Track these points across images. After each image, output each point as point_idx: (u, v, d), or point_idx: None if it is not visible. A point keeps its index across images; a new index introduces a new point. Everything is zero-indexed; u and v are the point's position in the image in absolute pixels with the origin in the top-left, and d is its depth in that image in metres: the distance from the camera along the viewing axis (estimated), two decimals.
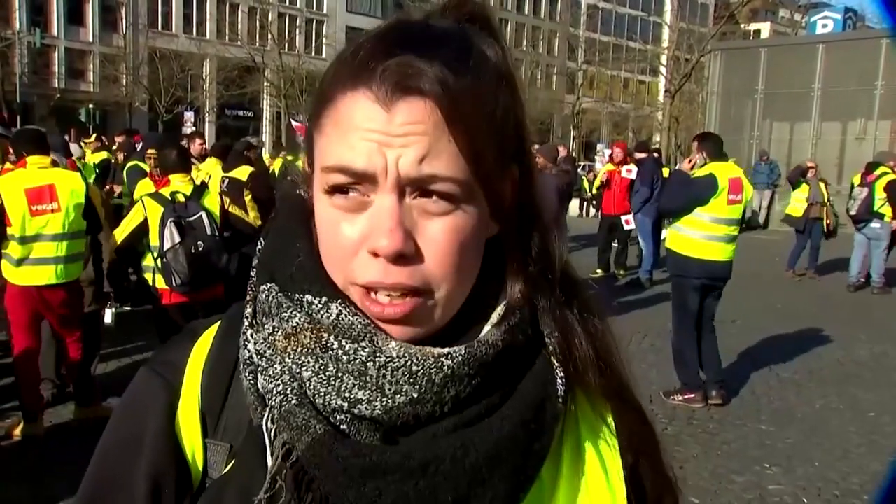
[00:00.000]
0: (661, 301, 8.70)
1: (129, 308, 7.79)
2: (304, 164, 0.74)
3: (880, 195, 10.72)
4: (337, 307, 0.65)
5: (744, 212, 6.12)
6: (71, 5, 42.93)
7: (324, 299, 0.66)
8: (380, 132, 0.63)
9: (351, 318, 0.65)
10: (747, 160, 18.84)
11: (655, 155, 11.62)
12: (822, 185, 12.14)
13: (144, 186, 6.29)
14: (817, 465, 4.85)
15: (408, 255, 0.63)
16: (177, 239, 4.57)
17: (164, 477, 0.74)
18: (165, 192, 4.80)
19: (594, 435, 0.75)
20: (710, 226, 5.80)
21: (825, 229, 12.01)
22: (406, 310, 0.65)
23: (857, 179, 11.32)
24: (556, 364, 0.72)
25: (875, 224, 10.92)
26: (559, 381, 0.71)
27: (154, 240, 4.67)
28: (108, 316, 5.79)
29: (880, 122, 20.83)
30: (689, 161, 6.17)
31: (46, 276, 4.69)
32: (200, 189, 5.01)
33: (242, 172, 7.20)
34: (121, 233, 4.89)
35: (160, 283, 4.74)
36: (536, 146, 12.39)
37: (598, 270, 11.17)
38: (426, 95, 0.63)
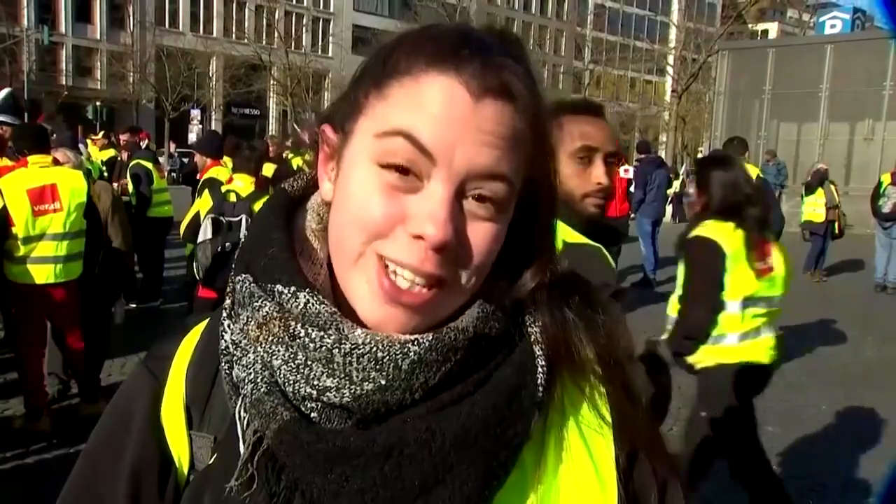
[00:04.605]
0: (664, 302, 8.67)
1: (134, 305, 7.84)
2: (327, 131, 0.73)
3: None
4: (305, 296, 0.66)
5: None
6: (79, 3, 43.06)
7: (292, 288, 0.67)
8: (459, 120, 0.63)
9: (318, 307, 0.65)
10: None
11: (654, 155, 11.61)
12: (833, 187, 12.18)
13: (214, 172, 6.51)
14: (823, 466, 4.83)
15: (449, 249, 0.64)
16: (209, 235, 4.62)
17: (146, 467, 0.76)
18: (225, 188, 4.93)
19: (584, 424, 0.74)
20: None
21: (836, 231, 12.03)
22: (423, 300, 0.65)
23: (886, 178, 11.29)
24: (539, 353, 0.71)
25: None
26: (540, 368, 0.70)
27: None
28: (117, 314, 5.82)
29: (889, 123, 20.72)
30: None
31: (45, 274, 4.70)
32: (259, 193, 5.02)
33: (268, 170, 7.27)
34: (184, 222, 5.23)
35: (196, 273, 4.83)
36: None
37: None
38: (516, 101, 0.65)
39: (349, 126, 0.69)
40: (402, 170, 0.63)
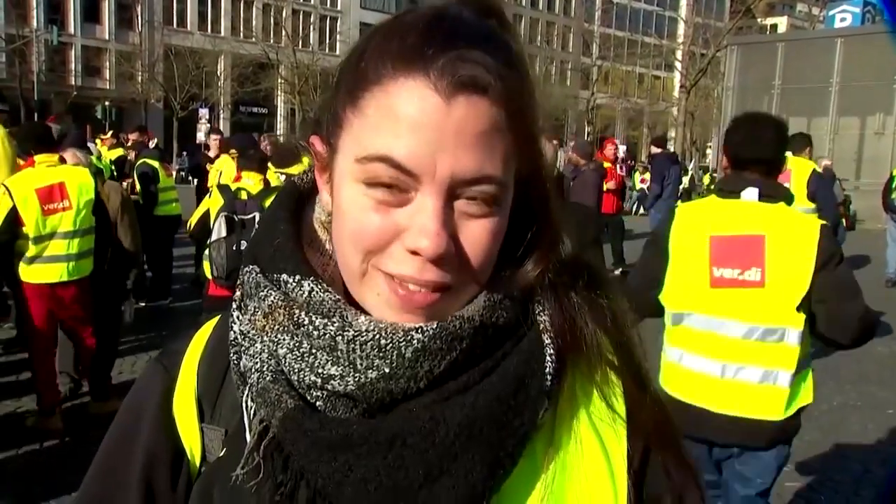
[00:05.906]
0: None
1: (143, 304, 7.88)
2: (315, 144, 0.72)
3: None
4: (309, 284, 0.66)
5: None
6: (87, 3, 43.25)
7: (297, 277, 0.67)
8: (435, 128, 0.61)
9: (322, 295, 0.66)
10: None
11: (669, 151, 11.55)
12: (838, 183, 12.17)
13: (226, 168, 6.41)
14: (834, 462, 4.81)
15: (446, 258, 0.63)
16: (223, 233, 4.63)
17: (158, 461, 0.76)
18: (234, 186, 4.91)
19: (595, 415, 0.73)
20: None
21: (844, 225, 12.06)
22: (435, 300, 0.65)
23: None
24: (547, 341, 0.70)
25: None
26: (548, 358, 0.69)
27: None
28: (127, 313, 5.85)
29: None
30: None
31: (58, 273, 4.73)
32: (268, 191, 5.04)
33: (299, 170, 7.27)
34: (192, 218, 5.18)
35: (208, 272, 4.83)
36: (572, 143, 12.34)
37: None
38: (488, 93, 0.62)
39: (334, 140, 0.67)
40: (388, 186, 0.62)
